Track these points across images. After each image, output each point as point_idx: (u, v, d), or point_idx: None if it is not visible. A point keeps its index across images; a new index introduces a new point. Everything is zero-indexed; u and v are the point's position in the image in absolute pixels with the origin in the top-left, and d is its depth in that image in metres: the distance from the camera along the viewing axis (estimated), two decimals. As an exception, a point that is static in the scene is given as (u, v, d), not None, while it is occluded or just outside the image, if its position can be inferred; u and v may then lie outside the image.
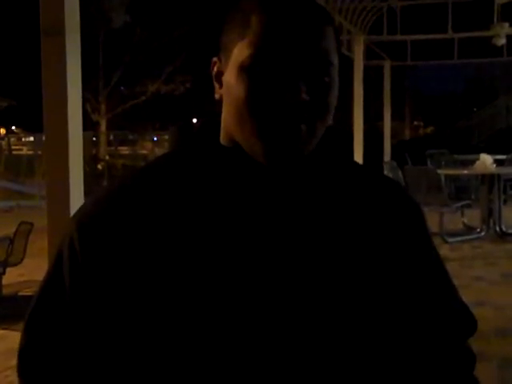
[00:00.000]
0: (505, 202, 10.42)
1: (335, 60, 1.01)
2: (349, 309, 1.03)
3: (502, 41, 11.55)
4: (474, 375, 1.16)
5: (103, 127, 26.11)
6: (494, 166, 10.14)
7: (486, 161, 9.99)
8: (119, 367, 1.05)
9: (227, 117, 1.03)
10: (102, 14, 23.25)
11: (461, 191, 10.95)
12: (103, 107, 25.76)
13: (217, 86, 1.05)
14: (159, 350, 1.01)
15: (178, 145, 1.12)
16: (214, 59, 1.05)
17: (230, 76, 1.00)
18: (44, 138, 3.39)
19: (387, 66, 14.67)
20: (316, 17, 1.00)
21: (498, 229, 9.82)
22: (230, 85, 1.00)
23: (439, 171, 10.14)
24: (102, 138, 25.65)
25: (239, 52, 0.99)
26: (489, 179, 9.92)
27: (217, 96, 1.06)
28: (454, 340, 1.15)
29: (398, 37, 13.41)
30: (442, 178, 9.76)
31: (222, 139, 1.07)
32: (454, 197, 10.63)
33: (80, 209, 1.10)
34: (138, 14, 24.46)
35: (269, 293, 1.00)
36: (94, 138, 25.32)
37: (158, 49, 24.46)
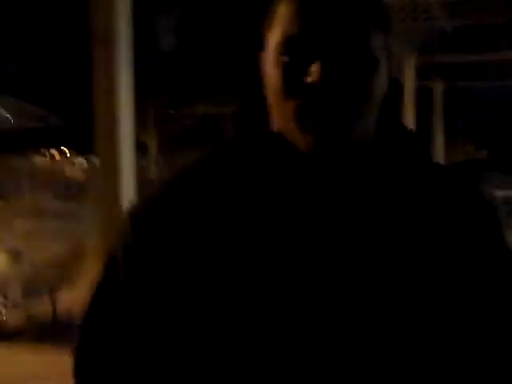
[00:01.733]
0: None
1: (376, 38, 0.99)
2: (389, 311, 0.99)
3: None
4: None
5: (153, 150, 26.40)
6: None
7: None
8: (172, 361, 1.03)
9: (271, 107, 1.03)
10: (150, 37, 23.61)
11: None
12: (153, 130, 26.06)
13: (263, 82, 1.06)
14: (205, 344, 1.00)
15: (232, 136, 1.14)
16: (261, 54, 1.06)
17: (266, 65, 1.03)
18: (96, 160, 3.40)
19: (439, 88, 14.50)
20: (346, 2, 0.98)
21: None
22: (266, 74, 1.03)
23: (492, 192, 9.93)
24: (152, 162, 25.92)
25: (271, 41, 1.02)
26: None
27: (265, 92, 1.06)
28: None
29: (450, 57, 13.26)
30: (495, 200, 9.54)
31: (271, 126, 1.07)
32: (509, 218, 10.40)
33: (134, 204, 1.13)
34: (186, 36, 24.78)
35: (307, 288, 0.98)
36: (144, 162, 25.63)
37: (207, 70, 24.70)
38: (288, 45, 0.98)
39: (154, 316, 1.04)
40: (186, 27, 24.53)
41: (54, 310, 6.53)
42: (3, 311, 6.46)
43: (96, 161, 3.28)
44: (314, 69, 0.95)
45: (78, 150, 28.62)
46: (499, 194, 10.65)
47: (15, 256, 6.83)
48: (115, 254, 1.07)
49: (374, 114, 1.01)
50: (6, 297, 6.52)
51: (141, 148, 25.05)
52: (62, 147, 32.31)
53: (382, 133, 1.06)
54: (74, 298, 7.15)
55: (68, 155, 31.66)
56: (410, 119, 11.22)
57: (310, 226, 1.00)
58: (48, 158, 30.09)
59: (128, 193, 3.25)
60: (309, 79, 0.95)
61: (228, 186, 1.05)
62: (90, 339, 1.08)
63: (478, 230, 1.06)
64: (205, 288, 1.00)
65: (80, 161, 28.21)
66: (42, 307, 6.58)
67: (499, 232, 1.10)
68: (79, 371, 1.08)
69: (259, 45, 1.07)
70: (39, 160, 27.72)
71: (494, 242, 1.08)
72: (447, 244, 1.03)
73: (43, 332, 6.21)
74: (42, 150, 29.71)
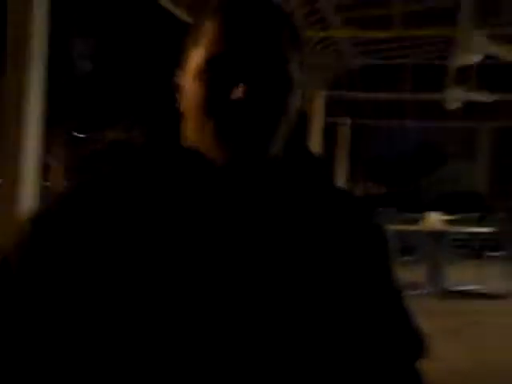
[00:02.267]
0: (451, 260, 10.45)
1: (292, 60, 1.06)
2: (290, 326, 1.03)
3: (455, 105, 11.78)
4: None
5: (59, 173, 25.84)
6: (441, 223, 10.21)
7: (433, 218, 10.07)
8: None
9: (187, 124, 1.07)
10: (65, 61, 23.25)
11: (407, 248, 11.00)
12: (61, 153, 25.54)
13: (179, 97, 1.10)
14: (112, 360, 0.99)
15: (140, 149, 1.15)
16: (177, 72, 1.11)
17: (187, 83, 1.07)
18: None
19: (345, 124, 14.83)
20: (269, 20, 1.05)
21: (442, 286, 9.84)
22: (186, 91, 1.08)
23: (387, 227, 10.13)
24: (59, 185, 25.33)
25: (193, 58, 1.06)
26: (435, 236, 9.97)
27: (180, 107, 1.10)
28: (402, 359, 1.15)
29: (361, 94, 13.61)
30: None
31: (183, 140, 1.10)
32: (400, 254, 10.67)
33: (34, 211, 1.11)
34: (101, 63, 24.53)
35: (212, 298, 1.00)
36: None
37: (117, 98, 24.48)
38: (212, 63, 1.03)
39: (41, 324, 1.01)
40: (102, 53, 24.32)
41: None
42: None
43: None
44: (240, 88, 1.00)
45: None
46: (392, 228, 10.93)
47: None
48: (9, 255, 1.05)
49: (286, 135, 1.07)
50: None
51: (46, 170, 24.50)
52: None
53: (290, 154, 1.12)
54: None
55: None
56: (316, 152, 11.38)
57: (215, 238, 1.03)
58: None
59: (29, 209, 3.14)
60: (233, 97, 1.01)
61: (135, 196, 1.05)
62: None
63: (367, 256, 1.13)
64: (102, 300, 0.99)
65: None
66: None
67: (387, 262, 1.17)
68: None
69: (175, 63, 1.11)
70: None
71: (380, 269, 1.15)
72: (335, 266, 1.09)
73: None
74: None
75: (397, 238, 10.29)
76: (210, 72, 1.03)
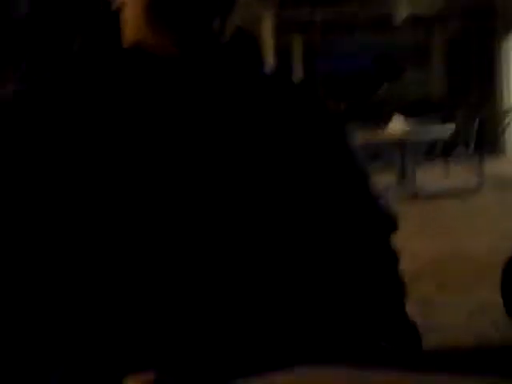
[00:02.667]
0: (417, 164, 10.56)
1: None
2: (253, 207, 1.01)
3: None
4: (398, 272, 1.16)
5: None
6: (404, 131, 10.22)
7: (399, 123, 10.05)
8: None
9: (133, 19, 1.03)
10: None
11: (374, 157, 11.07)
12: None
13: None
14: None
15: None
16: None
17: None
18: None
19: (298, 42, 14.65)
20: None
21: (411, 189, 9.96)
22: None
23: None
24: None
25: None
26: (400, 143, 10.02)
27: (117, 3, 1.05)
28: (375, 238, 1.14)
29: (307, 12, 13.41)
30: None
31: (124, 43, 1.06)
32: (369, 162, 10.77)
33: None
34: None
35: (170, 190, 0.98)
36: None
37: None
38: None
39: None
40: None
41: None
42: None
43: None
44: None
45: None
46: (358, 139, 10.96)
47: None
48: None
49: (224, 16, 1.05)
50: None
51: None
52: None
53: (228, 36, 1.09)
54: None
55: None
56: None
57: (167, 132, 1.00)
58: None
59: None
60: None
61: (81, 91, 1.01)
62: None
63: (323, 132, 1.11)
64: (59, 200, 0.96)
65: None
66: None
67: (343, 136, 1.15)
68: None
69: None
70: None
71: (339, 149, 1.12)
72: (290, 144, 1.06)
73: None
74: None
75: (364, 149, 10.37)
76: None
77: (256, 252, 1.01)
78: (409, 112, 10.77)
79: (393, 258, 1.16)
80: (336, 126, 1.15)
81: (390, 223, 1.16)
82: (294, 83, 1.19)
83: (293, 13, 13.36)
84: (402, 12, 11.76)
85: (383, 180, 10.60)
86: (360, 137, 11.34)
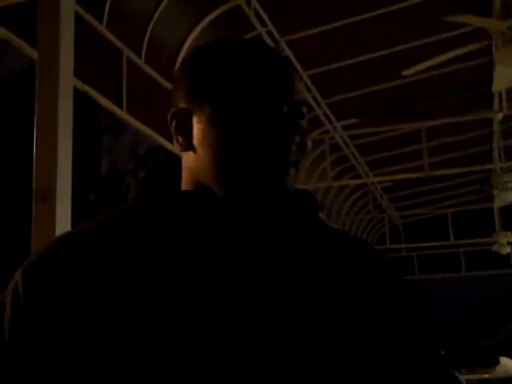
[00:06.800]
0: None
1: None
2: (314, 366, 0.94)
3: (507, 249, 11.17)
4: None
5: None
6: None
7: (507, 364, 9.66)
8: None
9: (199, 163, 1.03)
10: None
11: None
12: None
13: (179, 138, 1.06)
14: None
15: (139, 199, 1.07)
16: (174, 110, 1.06)
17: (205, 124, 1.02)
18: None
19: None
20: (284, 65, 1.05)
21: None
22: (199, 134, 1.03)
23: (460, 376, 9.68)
24: None
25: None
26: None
27: (181, 148, 1.06)
28: None
29: (403, 246, 13.43)
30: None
31: (186, 187, 1.06)
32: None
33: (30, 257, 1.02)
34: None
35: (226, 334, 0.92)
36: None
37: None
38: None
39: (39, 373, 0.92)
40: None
41: None
42: None
43: None
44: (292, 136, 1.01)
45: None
46: (468, 377, 10.35)
47: None
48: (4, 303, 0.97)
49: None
50: None
51: None
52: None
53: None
54: None
55: None
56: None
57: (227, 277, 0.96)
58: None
59: None
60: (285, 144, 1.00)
61: (132, 242, 0.98)
62: None
63: (378, 287, 1.06)
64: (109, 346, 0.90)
65: None
66: None
67: (399, 289, 1.10)
68: None
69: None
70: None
71: (393, 296, 1.07)
72: (349, 299, 1.01)
73: None
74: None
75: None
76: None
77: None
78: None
79: None
80: (399, 285, 1.10)
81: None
82: (361, 240, 1.15)
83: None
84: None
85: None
86: (469, 376, 10.75)
